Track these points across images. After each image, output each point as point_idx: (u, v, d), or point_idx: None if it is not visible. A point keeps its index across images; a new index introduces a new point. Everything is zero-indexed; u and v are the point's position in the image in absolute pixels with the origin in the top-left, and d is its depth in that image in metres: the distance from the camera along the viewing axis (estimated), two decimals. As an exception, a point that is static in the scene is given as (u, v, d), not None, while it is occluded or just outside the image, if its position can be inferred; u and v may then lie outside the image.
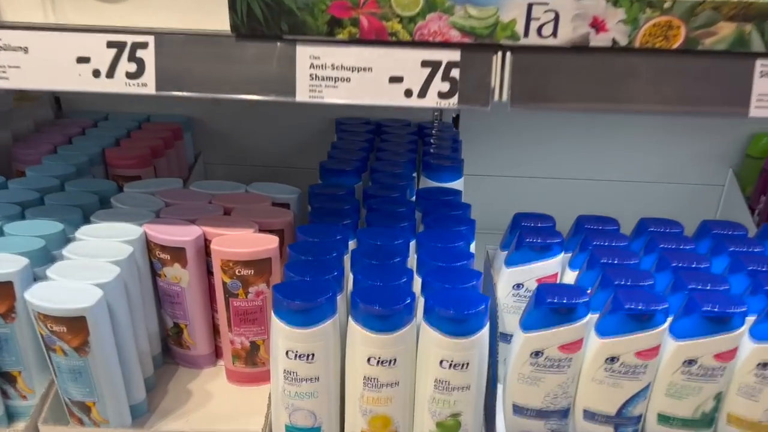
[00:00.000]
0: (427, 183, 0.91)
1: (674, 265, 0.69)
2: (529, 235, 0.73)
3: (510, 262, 0.74)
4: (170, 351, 0.81)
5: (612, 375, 0.64)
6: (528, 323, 0.64)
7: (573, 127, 1.13)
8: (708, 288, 0.65)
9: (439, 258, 0.67)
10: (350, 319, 0.61)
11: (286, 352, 0.61)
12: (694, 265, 0.69)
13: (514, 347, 0.65)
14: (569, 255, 0.78)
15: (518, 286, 0.75)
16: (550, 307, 0.62)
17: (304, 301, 0.59)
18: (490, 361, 0.70)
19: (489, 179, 1.16)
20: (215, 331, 0.79)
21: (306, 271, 0.64)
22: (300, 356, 0.61)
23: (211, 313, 0.78)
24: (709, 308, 0.61)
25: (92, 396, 0.66)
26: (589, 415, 0.67)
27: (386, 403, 0.63)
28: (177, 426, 0.71)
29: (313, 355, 0.61)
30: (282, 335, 0.61)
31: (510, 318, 0.76)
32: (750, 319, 0.64)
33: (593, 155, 1.14)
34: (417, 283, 0.68)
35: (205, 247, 0.74)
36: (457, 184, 0.90)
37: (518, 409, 0.67)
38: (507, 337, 0.78)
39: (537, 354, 0.64)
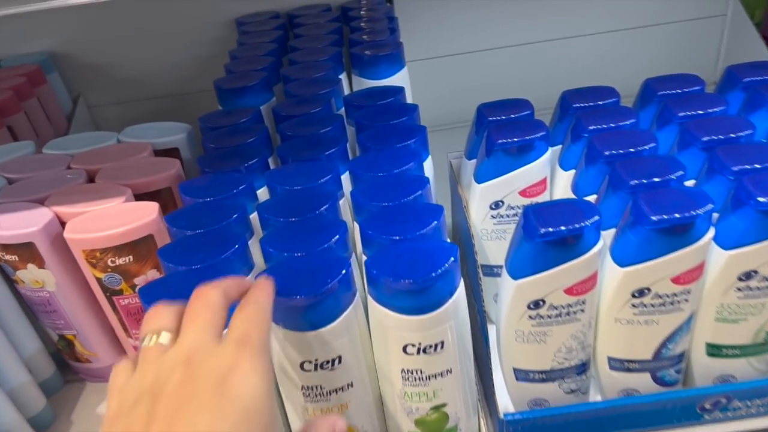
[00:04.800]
0: (361, 83, 0.70)
1: (705, 139, 0.50)
2: (499, 135, 0.52)
3: (481, 176, 0.55)
4: (69, 365, 0.63)
5: (643, 311, 0.46)
6: (517, 266, 0.45)
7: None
8: (757, 167, 0.46)
9: (376, 197, 0.47)
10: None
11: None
12: (732, 136, 0.50)
13: (504, 299, 0.47)
14: (558, 148, 0.58)
15: (497, 204, 0.55)
16: (544, 241, 0.43)
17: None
18: (474, 310, 0.52)
19: (438, 62, 0.93)
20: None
21: (187, 254, 0.44)
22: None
23: (103, 314, 0.59)
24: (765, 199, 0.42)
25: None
26: (618, 364, 0.50)
27: (343, 410, 0.45)
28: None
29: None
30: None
31: (493, 246, 0.58)
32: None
33: (563, 9, 0.92)
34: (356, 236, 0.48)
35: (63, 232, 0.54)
36: (397, 78, 0.69)
37: (521, 374, 0.50)
38: (493, 270, 0.60)
39: (536, 304, 0.46)
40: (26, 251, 0.52)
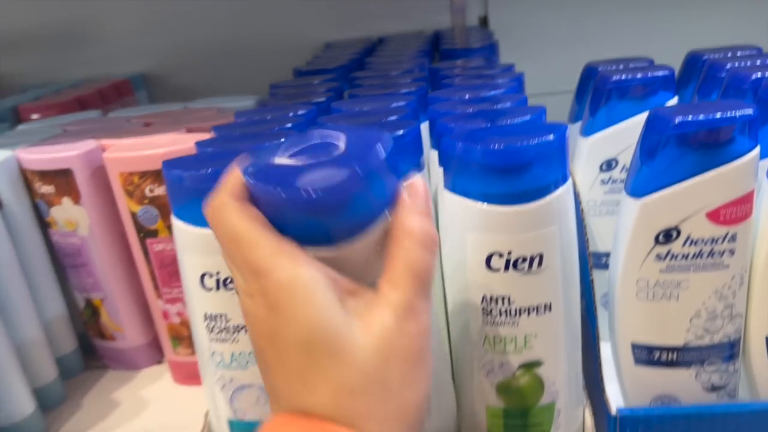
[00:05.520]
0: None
1: None
2: (615, 74, 0.44)
3: (589, 128, 0.45)
4: (92, 350, 0.55)
5: (821, 257, 0.34)
6: (642, 179, 0.34)
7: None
8: None
9: (465, 119, 0.39)
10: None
11: (202, 278, 0.33)
12: None
13: (623, 235, 0.36)
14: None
15: (609, 164, 0.45)
16: (679, 135, 0.32)
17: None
18: (582, 289, 0.41)
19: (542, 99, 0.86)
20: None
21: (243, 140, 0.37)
22: (225, 282, 0.33)
23: (135, 271, 0.51)
24: None
25: None
26: (782, 348, 0.36)
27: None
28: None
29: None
30: (189, 246, 0.33)
31: (601, 225, 0.47)
32: None
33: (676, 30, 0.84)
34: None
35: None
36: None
37: (643, 353, 0.37)
38: (601, 261, 0.48)
39: (668, 236, 0.34)
40: (63, 181, 0.47)
